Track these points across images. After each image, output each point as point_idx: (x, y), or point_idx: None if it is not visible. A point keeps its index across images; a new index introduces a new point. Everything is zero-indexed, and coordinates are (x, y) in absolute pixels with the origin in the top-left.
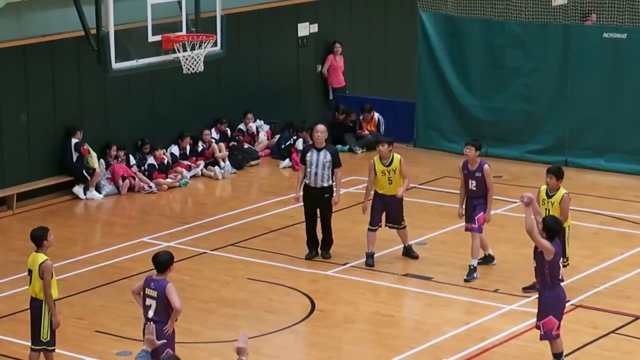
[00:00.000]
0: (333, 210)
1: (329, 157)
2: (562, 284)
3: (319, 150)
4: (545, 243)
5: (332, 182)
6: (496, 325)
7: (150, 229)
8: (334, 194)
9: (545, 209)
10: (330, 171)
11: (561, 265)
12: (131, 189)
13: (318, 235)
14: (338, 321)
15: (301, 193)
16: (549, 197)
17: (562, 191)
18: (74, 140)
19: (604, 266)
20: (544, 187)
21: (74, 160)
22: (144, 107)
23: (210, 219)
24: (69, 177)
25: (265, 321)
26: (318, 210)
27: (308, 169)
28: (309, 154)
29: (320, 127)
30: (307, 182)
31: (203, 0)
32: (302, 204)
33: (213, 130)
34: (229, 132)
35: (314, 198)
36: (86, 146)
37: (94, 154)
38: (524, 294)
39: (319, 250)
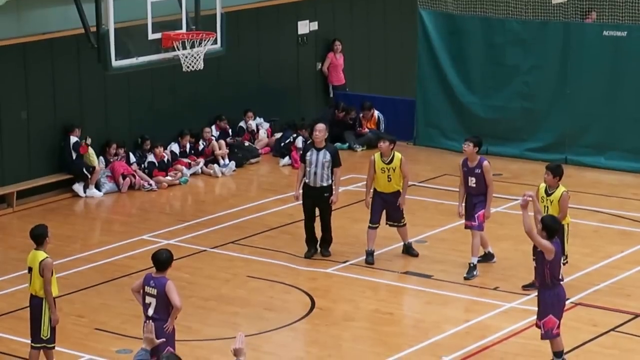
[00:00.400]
0: (332, 209)
1: (328, 156)
2: (561, 282)
3: (318, 150)
4: (545, 243)
5: (332, 181)
6: (496, 323)
7: (150, 226)
8: (333, 194)
9: (544, 206)
10: (329, 171)
11: (561, 264)
12: (131, 186)
13: (317, 234)
14: (338, 319)
15: (300, 191)
16: (547, 194)
17: (561, 189)
18: (72, 138)
19: (603, 264)
20: (542, 185)
21: (74, 158)
22: (144, 105)
23: (210, 217)
24: (68, 175)
25: (265, 319)
26: (317, 209)
27: (307, 168)
28: (308, 154)
29: (320, 127)
30: (307, 181)
31: None
32: (301, 202)
33: (213, 127)
34: (230, 129)
35: (313, 197)
36: (87, 142)
37: (92, 152)
38: (523, 291)
39: (318, 248)
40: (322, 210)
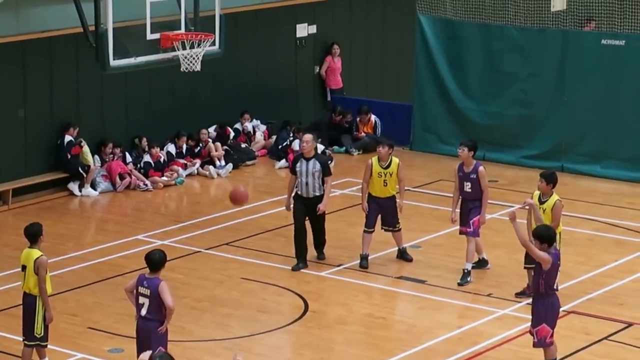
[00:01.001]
0: (325, 216)
1: (318, 166)
2: (556, 291)
3: (307, 159)
4: (541, 254)
5: (324, 190)
6: (489, 330)
7: (145, 226)
8: (322, 202)
9: None
10: (320, 180)
11: (557, 274)
12: (127, 186)
13: (307, 247)
14: (331, 322)
15: (292, 202)
16: (541, 202)
17: (555, 197)
18: (67, 138)
19: (597, 272)
20: (537, 193)
21: (69, 156)
22: (141, 104)
23: (205, 218)
24: (64, 174)
25: (258, 321)
26: (309, 218)
27: (298, 179)
28: (298, 164)
29: (307, 137)
30: (299, 192)
31: None
32: (293, 212)
33: (211, 129)
34: (232, 132)
35: (307, 207)
36: (82, 142)
37: (87, 150)
38: (517, 299)
39: (318, 256)
40: (317, 218)
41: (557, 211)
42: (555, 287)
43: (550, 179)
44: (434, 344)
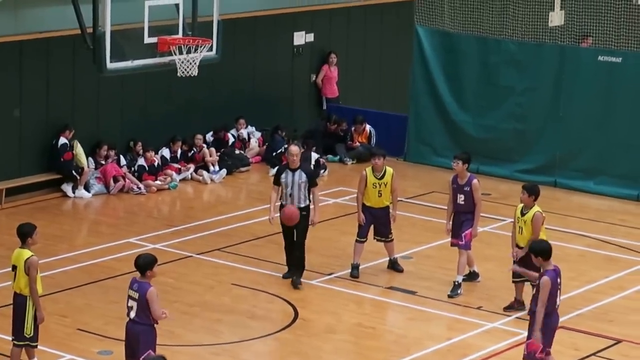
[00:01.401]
0: (308, 230)
1: (304, 177)
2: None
3: (293, 170)
4: (544, 294)
5: (309, 201)
6: (478, 342)
7: (137, 230)
8: (312, 214)
9: (519, 227)
10: (306, 191)
11: (559, 293)
12: (120, 189)
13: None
14: (320, 331)
15: (276, 215)
16: (522, 214)
17: (535, 209)
18: (62, 140)
19: (588, 288)
20: (520, 206)
21: (62, 159)
22: (137, 108)
23: (198, 223)
24: (58, 175)
25: (248, 327)
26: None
27: (284, 190)
28: (283, 175)
29: (294, 150)
30: (284, 203)
31: (200, 4)
32: (279, 225)
33: (208, 135)
34: (231, 138)
35: None
36: (75, 143)
37: (81, 152)
38: (506, 312)
39: (293, 281)
40: (299, 231)
41: (536, 222)
42: (556, 306)
43: (532, 191)
44: (422, 355)
